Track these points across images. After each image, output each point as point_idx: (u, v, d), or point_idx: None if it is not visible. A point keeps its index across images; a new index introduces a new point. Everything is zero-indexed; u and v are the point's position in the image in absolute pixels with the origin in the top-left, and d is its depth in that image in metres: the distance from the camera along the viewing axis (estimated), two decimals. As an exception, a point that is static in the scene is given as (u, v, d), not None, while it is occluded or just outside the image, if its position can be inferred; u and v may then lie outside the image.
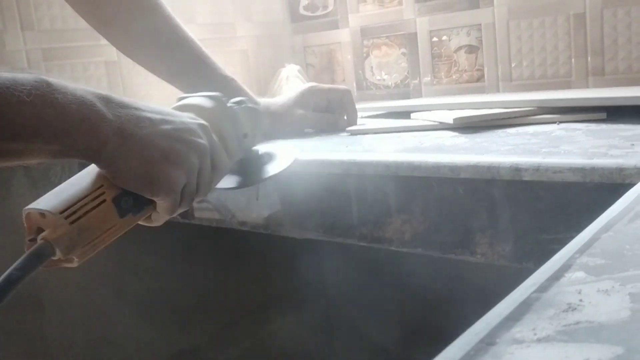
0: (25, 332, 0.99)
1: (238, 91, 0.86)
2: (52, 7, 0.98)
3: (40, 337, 1.00)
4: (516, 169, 0.56)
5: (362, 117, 0.93)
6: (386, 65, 1.26)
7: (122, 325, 1.08)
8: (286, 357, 1.22)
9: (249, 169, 0.66)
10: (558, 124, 0.74)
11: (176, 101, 0.63)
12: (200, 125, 0.55)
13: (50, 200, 0.47)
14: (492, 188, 0.59)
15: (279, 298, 1.22)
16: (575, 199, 0.54)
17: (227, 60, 0.88)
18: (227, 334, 1.21)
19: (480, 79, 1.14)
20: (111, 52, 1.06)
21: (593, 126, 0.71)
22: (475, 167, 0.59)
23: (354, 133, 0.84)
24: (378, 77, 1.28)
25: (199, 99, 0.62)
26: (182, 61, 0.83)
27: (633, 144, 0.58)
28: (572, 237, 0.36)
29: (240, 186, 0.66)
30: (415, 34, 1.20)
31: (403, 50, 1.23)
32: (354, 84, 1.31)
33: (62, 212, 0.46)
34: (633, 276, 0.28)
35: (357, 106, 0.92)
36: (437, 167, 0.61)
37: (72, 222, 0.46)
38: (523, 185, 0.56)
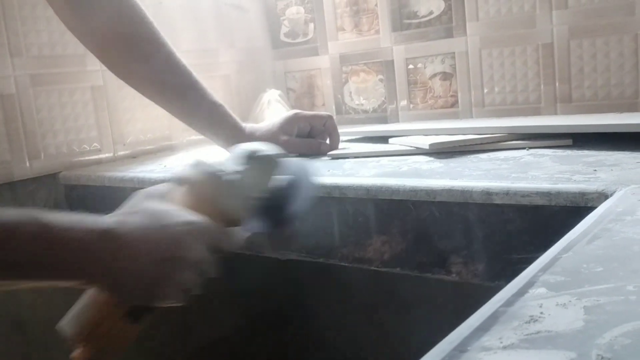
0: (9, 354, 1.00)
1: (225, 117, 0.89)
2: (41, 34, 1.01)
3: (24, 359, 1.01)
4: (488, 193, 0.60)
5: (342, 141, 0.97)
6: (364, 90, 1.31)
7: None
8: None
9: (270, 212, 0.64)
10: (527, 150, 0.79)
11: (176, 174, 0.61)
12: (191, 231, 0.55)
13: (73, 324, 0.55)
14: (465, 211, 0.62)
15: (260, 318, 1.24)
16: (542, 221, 0.58)
17: (210, 85, 0.91)
18: (208, 355, 1.23)
19: (454, 104, 1.19)
20: (97, 78, 1.09)
21: (560, 152, 0.75)
22: (450, 191, 0.63)
23: (335, 157, 0.88)
24: (356, 102, 1.32)
25: (195, 177, 0.59)
26: (173, 86, 0.86)
27: (595, 170, 0.63)
28: (540, 256, 0.40)
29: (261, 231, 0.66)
30: (392, 61, 1.25)
31: (380, 76, 1.27)
32: (333, 108, 1.35)
33: (85, 336, 0.54)
34: (588, 292, 0.32)
35: (338, 130, 0.95)
36: (415, 190, 0.65)
37: (94, 343, 0.54)
38: (494, 208, 0.60)
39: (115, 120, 1.12)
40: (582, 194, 0.55)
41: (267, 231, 0.68)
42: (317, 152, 0.91)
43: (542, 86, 1.09)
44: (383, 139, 0.96)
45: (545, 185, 0.58)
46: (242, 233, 0.62)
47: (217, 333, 1.22)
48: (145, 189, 0.59)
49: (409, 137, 0.90)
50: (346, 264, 0.72)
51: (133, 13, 0.84)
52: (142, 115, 1.16)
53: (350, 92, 1.33)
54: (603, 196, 0.54)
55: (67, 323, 0.56)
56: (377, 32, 1.26)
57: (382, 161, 0.81)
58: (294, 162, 0.68)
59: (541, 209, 0.58)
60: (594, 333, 0.27)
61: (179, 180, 0.59)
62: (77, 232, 0.50)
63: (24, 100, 0.98)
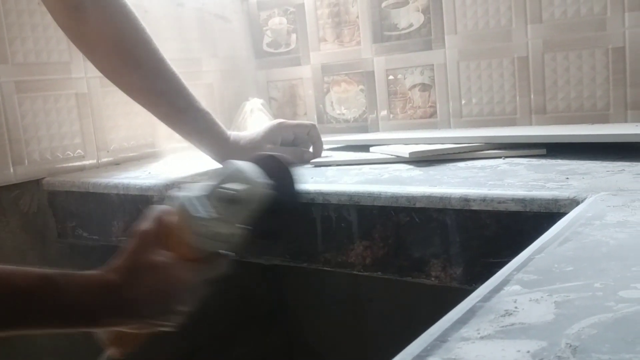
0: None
1: (211, 125, 0.91)
2: (26, 42, 1.02)
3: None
4: (465, 200, 0.63)
5: (325, 149, 0.99)
6: (345, 100, 1.33)
7: (91, 352, 1.09)
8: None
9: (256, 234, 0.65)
10: (503, 159, 0.81)
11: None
12: (183, 287, 0.60)
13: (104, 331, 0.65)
14: (444, 216, 0.65)
15: (244, 322, 1.26)
16: (517, 226, 0.61)
17: (193, 94, 0.93)
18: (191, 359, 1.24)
19: (432, 115, 1.22)
20: (82, 85, 1.10)
21: (534, 161, 0.78)
22: (429, 198, 0.65)
23: (317, 165, 0.90)
24: (338, 112, 1.35)
25: (177, 223, 0.61)
26: (161, 92, 0.88)
27: (568, 178, 0.66)
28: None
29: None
30: (373, 72, 1.28)
31: (361, 87, 1.30)
32: (315, 118, 1.37)
33: (113, 341, 0.64)
34: (558, 288, 0.35)
35: (321, 139, 0.98)
36: (395, 197, 0.67)
37: (120, 344, 0.64)
38: (472, 214, 0.63)
39: (99, 128, 1.13)
40: (555, 201, 0.58)
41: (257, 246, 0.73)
42: (300, 160, 0.93)
43: (517, 98, 1.12)
44: (364, 147, 0.98)
45: (520, 192, 0.60)
46: (227, 261, 0.65)
47: (200, 337, 1.23)
48: (144, 230, 0.60)
49: (389, 146, 0.93)
50: (329, 269, 0.74)
51: (126, 19, 0.86)
52: (126, 123, 1.17)
53: (332, 102, 1.35)
54: (574, 202, 0.57)
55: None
56: (359, 43, 1.29)
57: (364, 169, 0.84)
58: (273, 167, 0.67)
59: (516, 215, 0.60)
60: (563, 325, 0.30)
61: (167, 214, 0.62)
62: (84, 295, 0.55)
63: (9, 106, 0.99)
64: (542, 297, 0.34)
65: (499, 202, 0.61)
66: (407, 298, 1.01)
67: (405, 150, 0.85)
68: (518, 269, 0.39)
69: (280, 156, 0.68)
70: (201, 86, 1.32)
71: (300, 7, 1.36)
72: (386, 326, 1.10)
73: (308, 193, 0.73)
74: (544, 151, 0.82)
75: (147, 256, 0.59)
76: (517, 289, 0.35)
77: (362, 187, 0.70)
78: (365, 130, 1.30)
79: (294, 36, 1.39)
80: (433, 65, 1.20)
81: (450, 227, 0.65)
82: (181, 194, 0.62)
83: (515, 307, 0.32)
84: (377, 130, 1.29)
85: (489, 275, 0.63)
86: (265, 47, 1.44)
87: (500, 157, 0.82)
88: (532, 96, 1.11)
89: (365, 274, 0.71)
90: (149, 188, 0.89)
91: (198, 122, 0.90)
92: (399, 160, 0.86)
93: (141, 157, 1.20)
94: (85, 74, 1.10)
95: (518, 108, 1.12)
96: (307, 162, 0.92)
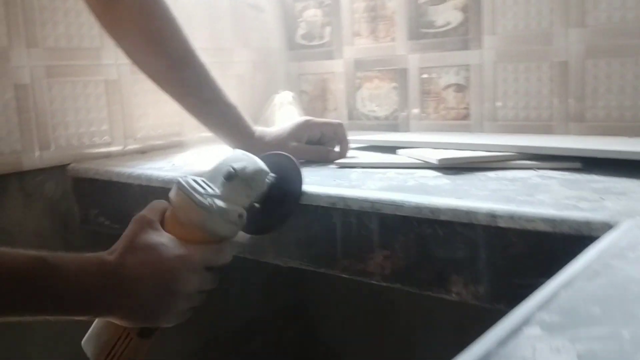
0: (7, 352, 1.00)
1: (237, 119, 0.89)
2: (58, 26, 1.01)
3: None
4: (492, 216, 0.60)
5: (351, 149, 0.96)
6: (377, 97, 1.30)
7: None
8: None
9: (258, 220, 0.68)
10: (536, 171, 0.78)
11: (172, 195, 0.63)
12: (184, 264, 0.59)
13: (93, 344, 0.61)
14: (469, 231, 0.62)
15: (260, 323, 1.25)
16: (545, 247, 0.58)
17: (223, 84, 0.91)
18: (206, 354, 1.23)
19: (466, 116, 1.18)
20: (112, 72, 1.09)
21: (568, 175, 0.75)
22: (455, 211, 0.62)
23: (342, 166, 0.88)
24: (368, 108, 1.32)
25: (178, 203, 0.62)
26: (189, 83, 0.87)
27: (602, 197, 0.62)
28: (541, 283, 0.40)
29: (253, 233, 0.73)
30: (406, 69, 1.25)
31: (394, 84, 1.27)
32: (345, 113, 1.35)
33: (105, 356, 0.60)
34: (582, 335, 0.32)
35: (348, 137, 0.95)
36: (419, 208, 0.65)
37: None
38: (498, 230, 0.60)
39: (127, 115, 1.12)
40: (587, 223, 0.55)
41: (259, 235, 0.74)
42: (325, 160, 0.90)
43: (555, 104, 1.08)
44: (392, 148, 0.95)
45: (550, 212, 0.57)
46: (231, 247, 0.65)
47: (216, 333, 1.22)
48: (142, 214, 0.62)
49: (418, 149, 0.90)
50: (347, 276, 0.72)
51: (158, 7, 0.85)
52: (154, 111, 1.17)
53: (363, 98, 1.32)
54: (607, 226, 0.54)
55: (88, 342, 0.62)
56: (393, 39, 1.26)
57: (389, 173, 0.81)
58: (279, 164, 0.70)
59: (545, 235, 0.57)
60: (584, 382, 0.27)
61: (169, 200, 0.63)
62: (79, 275, 0.54)
63: (38, 90, 0.99)
64: (563, 345, 0.31)
65: (527, 221, 0.58)
66: (427, 312, 0.99)
67: (433, 156, 0.82)
68: (540, 306, 0.36)
69: (290, 156, 0.71)
70: (232, 77, 1.30)
71: (336, 0, 1.33)
72: (404, 338, 1.08)
73: (329, 197, 0.71)
74: (579, 165, 0.79)
75: (143, 236, 0.58)
76: (538, 332, 0.33)
77: (385, 194, 0.68)
78: (395, 128, 1.28)
79: (328, 29, 1.36)
80: (469, 65, 1.16)
81: (474, 243, 0.62)
82: (179, 175, 0.63)
83: (534, 357, 0.30)
84: (407, 129, 1.26)
85: (512, 295, 0.61)
86: (298, 39, 1.41)
87: (532, 169, 0.79)
88: (570, 103, 1.07)
89: (384, 284, 0.69)
90: (170, 181, 0.88)
91: (224, 116, 0.89)
92: (427, 165, 0.83)
93: (168, 146, 1.19)
94: (115, 61, 1.09)
95: (555, 114, 1.08)
96: (332, 161, 0.90)
